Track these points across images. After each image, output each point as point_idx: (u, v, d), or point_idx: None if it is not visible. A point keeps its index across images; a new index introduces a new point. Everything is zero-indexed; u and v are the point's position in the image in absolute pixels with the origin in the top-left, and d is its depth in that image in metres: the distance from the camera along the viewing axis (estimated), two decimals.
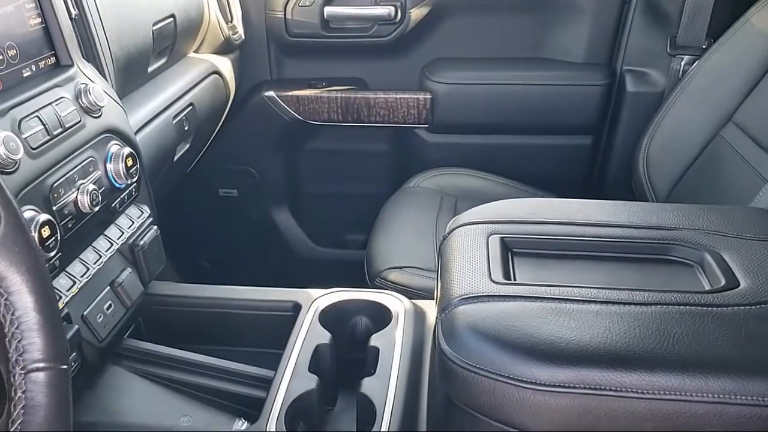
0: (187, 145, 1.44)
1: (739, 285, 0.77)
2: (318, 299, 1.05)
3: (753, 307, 0.73)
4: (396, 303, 1.05)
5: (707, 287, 0.79)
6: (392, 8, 1.69)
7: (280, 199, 1.93)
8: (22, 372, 0.47)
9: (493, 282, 0.77)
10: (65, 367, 0.49)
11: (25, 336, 0.48)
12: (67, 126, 0.84)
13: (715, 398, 0.65)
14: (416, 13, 1.72)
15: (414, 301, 1.08)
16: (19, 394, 0.47)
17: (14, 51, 0.82)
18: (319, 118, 1.79)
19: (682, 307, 0.73)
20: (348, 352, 1.04)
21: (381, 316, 1.03)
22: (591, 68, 1.73)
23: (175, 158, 1.37)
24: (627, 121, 1.70)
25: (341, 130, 1.83)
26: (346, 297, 1.06)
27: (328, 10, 1.70)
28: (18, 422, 0.46)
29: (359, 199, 1.84)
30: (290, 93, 1.78)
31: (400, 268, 1.26)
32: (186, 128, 1.37)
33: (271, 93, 1.79)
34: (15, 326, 0.47)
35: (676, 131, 1.50)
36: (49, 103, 0.83)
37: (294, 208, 1.96)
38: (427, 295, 1.16)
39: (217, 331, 1.08)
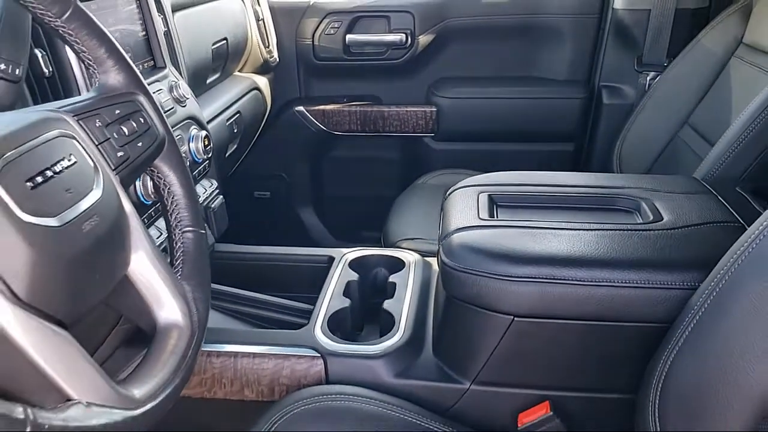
0: (235, 146, 1.73)
1: (662, 219, 1.04)
2: (347, 254, 1.33)
3: (669, 230, 1.00)
4: (409, 256, 1.33)
5: (639, 221, 1.06)
6: (403, 35, 1.97)
7: (306, 200, 2.21)
8: (180, 232, 0.76)
9: (481, 219, 1.05)
10: (203, 231, 0.78)
11: (180, 211, 0.76)
12: (165, 110, 1.13)
13: (634, 285, 0.91)
14: (423, 40, 2.00)
15: (424, 258, 1.36)
16: (178, 245, 0.75)
17: (130, 54, 1.12)
18: (341, 129, 2.08)
19: (617, 231, 1.00)
20: (370, 297, 1.31)
21: (397, 266, 1.30)
22: (572, 84, 1.99)
23: (227, 154, 1.67)
24: (603, 129, 1.94)
25: (360, 139, 2.10)
26: (370, 252, 1.34)
27: (349, 37, 2.00)
28: (179, 261, 0.75)
29: (374, 200, 2.07)
30: (316, 108, 2.07)
31: (412, 239, 1.53)
32: (235, 131, 1.67)
33: (301, 108, 2.08)
34: (174, 205, 0.76)
35: (644, 135, 1.76)
36: (153, 93, 1.13)
37: (318, 208, 2.23)
38: (433, 256, 1.43)
39: (267, 279, 1.35)
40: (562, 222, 1.03)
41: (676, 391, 0.80)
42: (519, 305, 0.93)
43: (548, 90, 2.01)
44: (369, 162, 2.16)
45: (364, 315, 1.26)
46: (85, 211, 0.59)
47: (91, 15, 0.71)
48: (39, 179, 0.56)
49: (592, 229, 1.00)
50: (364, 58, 2.04)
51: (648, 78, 1.83)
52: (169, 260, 0.75)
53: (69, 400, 0.53)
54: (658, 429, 0.81)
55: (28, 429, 0.46)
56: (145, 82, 0.77)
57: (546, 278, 0.92)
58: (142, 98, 0.75)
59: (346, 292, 1.19)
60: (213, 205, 1.27)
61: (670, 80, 1.72)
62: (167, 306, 0.69)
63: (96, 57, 0.72)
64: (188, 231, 0.76)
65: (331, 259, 1.31)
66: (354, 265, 1.29)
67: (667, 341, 0.83)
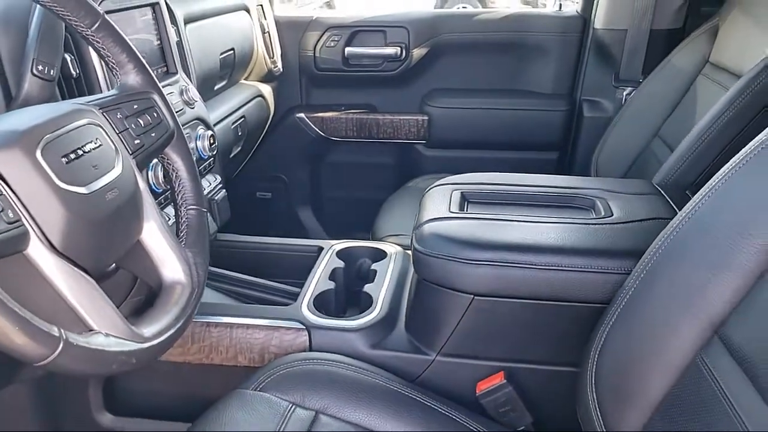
0: (239, 148, 1.87)
1: (613, 215, 1.17)
2: (335, 245, 1.47)
3: (615, 224, 1.13)
4: (391, 248, 1.46)
5: (592, 217, 1.20)
6: (398, 48, 2.12)
7: (304, 201, 2.35)
8: (185, 209, 0.90)
9: (451, 212, 1.18)
10: (205, 210, 0.92)
11: (185, 192, 0.91)
12: (176, 110, 1.27)
13: (578, 269, 1.03)
14: (417, 53, 2.13)
15: (405, 250, 1.50)
16: (183, 219, 0.90)
17: (146, 60, 1.27)
18: (338, 135, 2.22)
19: (571, 224, 1.13)
20: (354, 284, 1.44)
21: (380, 256, 1.43)
22: (556, 98, 2.12)
23: (231, 155, 1.81)
24: (584, 140, 2.07)
25: (355, 145, 2.24)
26: (356, 244, 1.48)
27: (348, 50, 2.14)
28: (183, 233, 0.89)
29: (368, 202, 2.16)
30: (316, 115, 2.21)
31: (396, 234, 1.67)
32: (240, 134, 1.81)
33: (301, 114, 2.22)
34: (181, 187, 0.91)
35: (618, 146, 1.87)
36: (165, 94, 1.27)
37: (316, 209, 2.37)
38: None
39: (261, 266, 1.49)
40: (522, 215, 1.17)
41: (609, 363, 0.92)
42: (478, 285, 1.06)
43: (533, 102, 2.14)
44: (364, 166, 2.30)
45: (348, 300, 1.40)
46: (107, 183, 0.73)
47: (115, 26, 0.85)
48: (72, 156, 0.71)
49: (548, 222, 1.14)
50: (361, 70, 2.18)
51: (624, 93, 1.97)
52: (175, 232, 0.89)
53: (91, 330, 0.67)
54: (595, 397, 0.93)
55: (61, 344, 0.60)
56: (159, 84, 0.91)
57: (502, 262, 1.05)
58: (156, 97, 0.90)
59: (332, 277, 1.33)
60: (216, 198, 1.41)
61: (644, 96, 1.85)
62: (172, 267, 0.83)
63: (118, 61, 0.86)
64: (192, 209, 0.90)
65: (320, 249, 1.45)
66: (341, 254, 1.42)
67: (602, 320, 0.95)
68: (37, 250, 0.65)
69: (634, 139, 1.82)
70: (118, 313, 0.70)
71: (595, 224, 1.13)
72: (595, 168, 1.92)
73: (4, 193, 0.63)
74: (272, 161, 2.28)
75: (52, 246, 0.66)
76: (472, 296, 1.07)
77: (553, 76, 2.14)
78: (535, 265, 1.05)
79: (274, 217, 2.37)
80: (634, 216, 1.16)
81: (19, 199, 0.64)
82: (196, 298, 0.84)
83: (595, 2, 2.03)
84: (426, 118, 2.17)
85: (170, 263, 0.83)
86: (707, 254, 0.82)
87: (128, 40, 0.88)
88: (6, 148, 0.65)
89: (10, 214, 0.62)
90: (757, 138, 0.82)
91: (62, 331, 0.61)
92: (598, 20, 2.02)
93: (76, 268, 0.67)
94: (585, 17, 2.08)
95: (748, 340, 0.75)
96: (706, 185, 0.87)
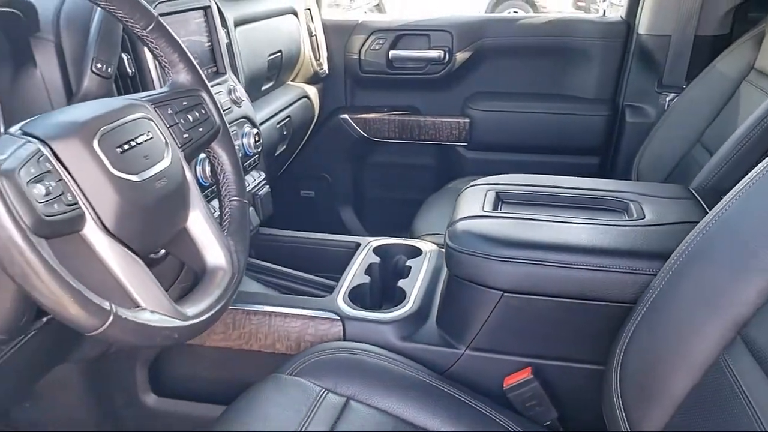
0: (284, 147, 1.93)
1: (645, 218, 1.19)
2: (372, 242, 1.52)
3: (646, 227, 1.14)
4: (426, 246, 1.50)
5: (625, 219, 1.21)
6: (442, 52, 2.15)
7: (347, 200, 2.40)
8: (228, 200, 0.96)
9: (484, 211, 1.22)
10: (246, 201, 0.97)
11: (229, 184, 0.96)
12: (223, 108, 1.34)
13: (607, 269, 1.06)
14: (460, 56, 2.17)
15: (441, 248, 1.53)
16: (226, 210, 0.95)
17: (197, 60, 1.34)
18: (381, 136, 2.27)
19: (603, 226, 1.15)
20: (389, 279, 1.48)
21: (416, 254, 1.47)
22: (598, 103, 2.12)
23: (276, 154, 1.87)
24: (626, 145, 2.07)
25: (398, 146, 2.29)
26: (393, 241, 1.52)
27: (392, 53, 2.19)
28: (226, 222, 0.94)
29: (408, 203, 2.19)
30: (360, 116, 2.27)
31: (434, 234, 1.70)
32: (285, 133, 1.87)
33: (345, 116, 2.28)
34: (225, 179, 0.96)
35: (659, 152, 1.88)
36: (214, 93, 1.33)
37: (357, 208, 2.42)
38: None
39: (300, 260, 1.54)
40: (554, 216, 1.19)
41: (634, 361, 0.93)
42: (508, 282, 1.09)
43: (576, 107, 2.14)
44: (405, 167, 2.34)
45: (383, 295, 1.44)
46: (157, 173, 0.79)
47: (168, 28, 0.91)
48: (126, 146, 0.77)
49: (579, 223, 1.16)
50: (405, 72, 2.22)
51: (667, 99, 1.96)
52: (219, 222, 0.95)
53: (139, 306, 0.73)
54: (619, 395, 0.95)
55: (111, 317, 0.66)
56: (207, 82, 0.97)
57: (531, 260, 1.08)
58: (204, 94, 0.96)
59: (368, 272, 1.37)
60: (260, 193, 1.47)
61: (687, 102, 1.84)
62: (215, 253, 0.88)
63: (170, 60, 0.93)
64: (234, 200, 0.96)
65: (358, 245, 1.50)
66: (378, 251, 1.47)
67: (629, 319, 0.97)
68: (91, 231, 0.71)
69: (675, 144, 1.81)
70: (163, 293, 0.76)
71: (626, 226, 1.15)
72: (636, 173, 1.92)
73: (64, 178, 0.69)
74: (316, 161, 2.34)
75: (105, 228, 0.72)
76: (502, 293, 1.10)
77: (596, 81, 2.14)
78: (564, 263, 1.07)
79: (317, 215, 2.43)
80: (666, 219, 1.17)
81: (77, 184, 0.70)
82: (236, 283, 0.89)
83: (640, 8, 2.03)
84: (468, 120, 2.20)
85: (213, 249, 0.88)
86: (733, 255, 0.83)
87: (180, 41, 0.94)
88: (66, 138, 0.71)
89: (69, 198, 0.68)
90: None
91: (113, 305, 0.67)
92: (642, 26, 2.02)
93: (126, 249, 0.73)
94: (629, 23, 2.08)
95: None
96: (735, 187, 0.89)
